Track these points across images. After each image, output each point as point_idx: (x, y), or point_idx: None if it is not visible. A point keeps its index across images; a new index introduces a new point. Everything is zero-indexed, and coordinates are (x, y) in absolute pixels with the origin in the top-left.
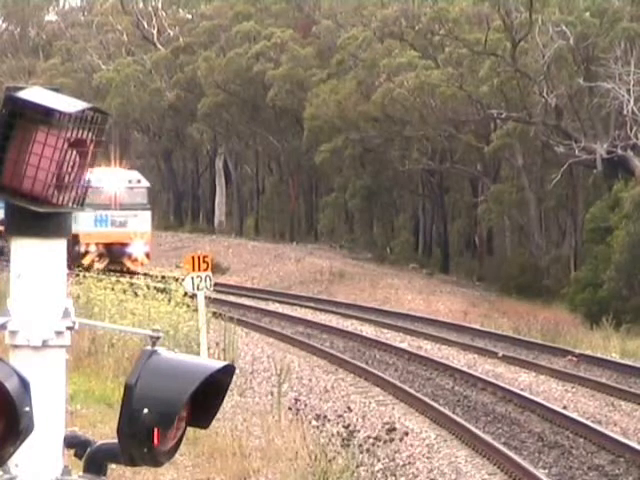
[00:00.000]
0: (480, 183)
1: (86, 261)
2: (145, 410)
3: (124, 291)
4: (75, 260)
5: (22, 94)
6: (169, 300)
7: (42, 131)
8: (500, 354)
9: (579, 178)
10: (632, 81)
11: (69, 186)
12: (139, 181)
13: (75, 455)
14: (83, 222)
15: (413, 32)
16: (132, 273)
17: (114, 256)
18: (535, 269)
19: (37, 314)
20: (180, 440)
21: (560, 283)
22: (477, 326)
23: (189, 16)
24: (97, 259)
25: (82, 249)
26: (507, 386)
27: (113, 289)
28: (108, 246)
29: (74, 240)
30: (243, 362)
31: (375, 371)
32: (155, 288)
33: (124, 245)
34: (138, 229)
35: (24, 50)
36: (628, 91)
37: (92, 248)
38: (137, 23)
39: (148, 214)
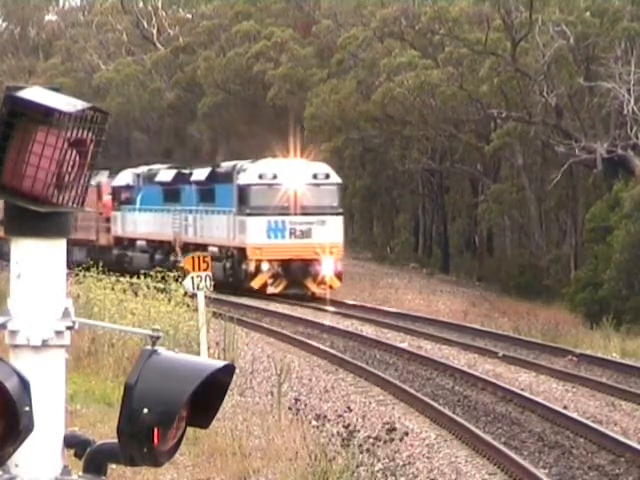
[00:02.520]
0: (480, 183)
1: (256, 284)
2: (145, 410)
3: (124, 291)
4: (242, 282)
5: (22, 94)
6: (169, 300)
7: (42, 131)
8: (500, 354)
9: (579, 178)
10: (632, 81)
11: (69, 186)
12: (327, 176)
13: (75, 455)
14: (253, 232)
15: (413, 32)
16: (317, 299)
17: (294, 277)
18: (535, 269)
19: (37, 314)
20: (180, 440)
21: (560, 283)
22: (477, 326)
23: (189, 16)
24: (271, 281)
25: (251, 267)
26: (507, 386)
27: (113, 289)
28: (286, 263)
29: (240, 255)
30: (243, 362)
31: (375, 371)
32: (155, 288)
33: (307, 262)
34: (326, 241)
35: (24, 50)
36: (628, 91)
37: (264, 266)
38: (137, 23)
39: (339, 220)
